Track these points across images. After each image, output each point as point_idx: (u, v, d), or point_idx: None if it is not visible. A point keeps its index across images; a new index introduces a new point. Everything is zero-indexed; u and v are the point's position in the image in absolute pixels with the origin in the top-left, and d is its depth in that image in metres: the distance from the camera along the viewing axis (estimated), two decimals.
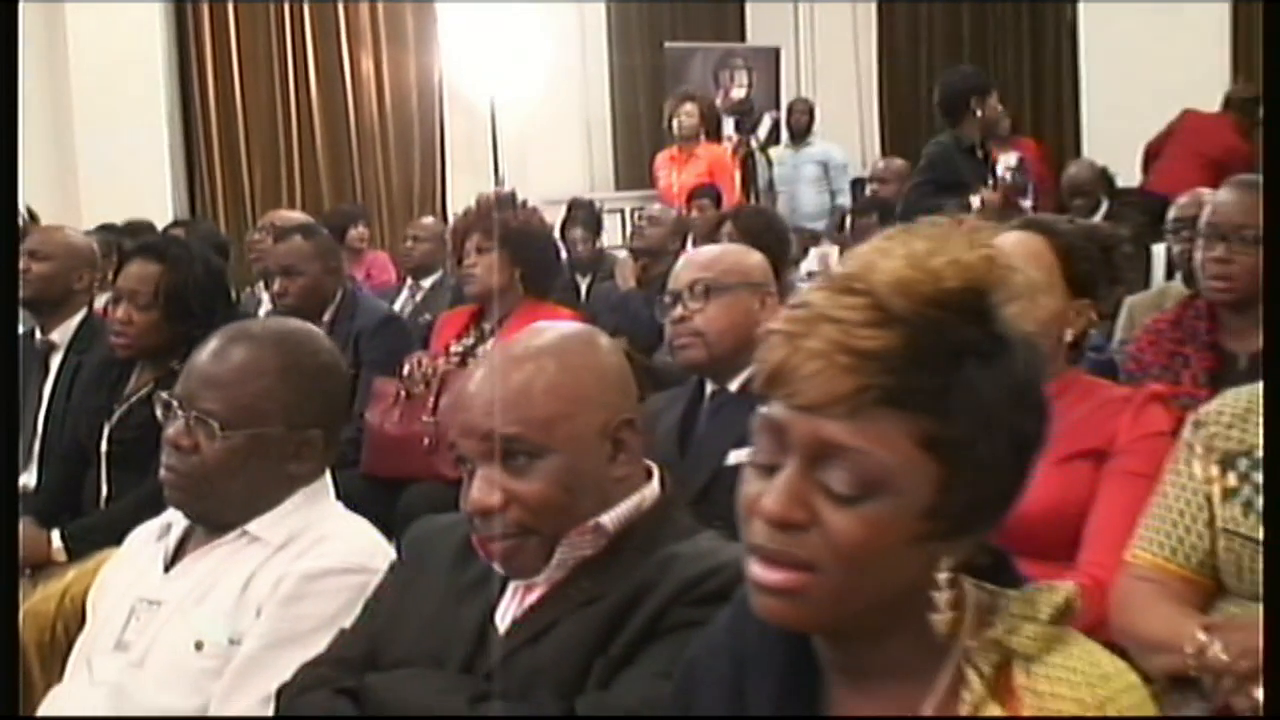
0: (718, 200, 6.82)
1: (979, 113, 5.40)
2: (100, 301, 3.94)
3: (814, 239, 7.27)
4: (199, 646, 1.87)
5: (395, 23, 9.37)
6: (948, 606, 1.11)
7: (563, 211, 6.60)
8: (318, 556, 1.90)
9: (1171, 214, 4.27)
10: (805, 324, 1.08)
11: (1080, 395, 2.27)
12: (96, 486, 3.18)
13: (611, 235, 7.70)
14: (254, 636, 1.85)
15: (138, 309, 3.18)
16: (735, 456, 2.44)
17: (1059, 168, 7.43)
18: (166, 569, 2.00)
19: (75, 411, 3.37)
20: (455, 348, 3.87)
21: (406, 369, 3.71)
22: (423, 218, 7.30)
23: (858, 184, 8.70)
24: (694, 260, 2.87)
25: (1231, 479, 1.81)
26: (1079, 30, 8.88)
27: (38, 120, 7.53)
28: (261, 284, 5.09)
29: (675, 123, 7.77)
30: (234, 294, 3.94)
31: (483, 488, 1.57)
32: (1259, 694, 1.58)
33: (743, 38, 10.67)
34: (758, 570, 1.10)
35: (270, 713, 1.74)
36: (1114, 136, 7.84)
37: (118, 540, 2.19)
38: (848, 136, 9.94)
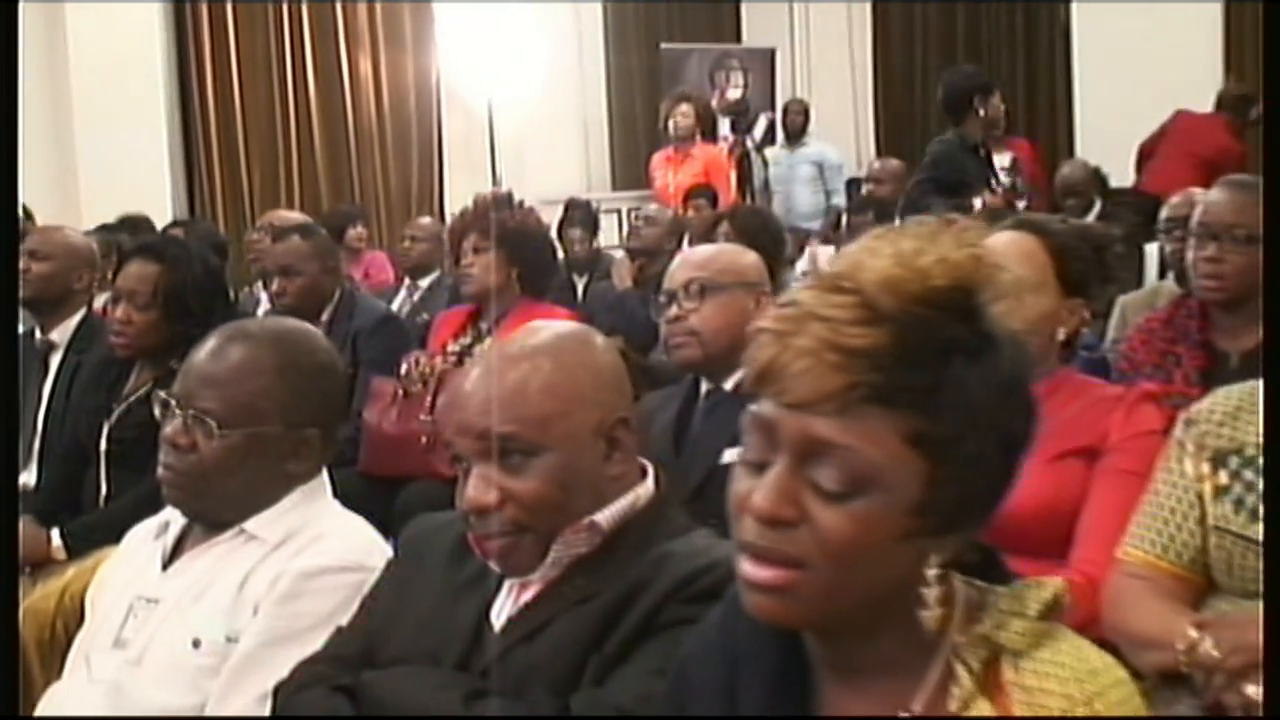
0: (714, 200, 6.81)
1: (982, 111, 5.41)
2: (99, 301, 3.95)
3: (809, 239, 7.26)
4: (196, 644, 1.87)
5: (393, 24, 9.35)
6: (937, 603, 1.12)
7: (559, 211, 6.59)
8: (315, 555, 1.91)
9: (1164, 214, 4.30)
10: (794, 322, 1.08)
11: (1073, 394, 2.27)
12: (96, 485, 3.18)
13: (608, 235, 7.68)
14: (251, 634, 1.85)
15: (137, 309, 3.19)
16: (730, 455, 2.43)
17: (1052, 168, 7.42)
18: (164, 567, 2.00)
19: (75, 411, 3.37)
20: (452, 347, 3.87)
21: (404, 368, 3.72)
22: (420, 218, 7.29)
23: (853, 184, 8.70)
24: (689, 260, 2.86)
25: (1223, 477, 1.81)
26: (1072, 31, 8.87)
27: (38, 120, 7.51)
28: (260, 284, 5.09)
29: (671, 123, 7.75)
30: (233, 294, 3.95)
31: (478, 486, 1.58)
32: (1250, 690, 1.58)
33: (738, 39, 10.67)
34: (748, 567, 1.11)
35: (267, 710, 1.74)
36: (1107, 137, 7.83)
37: (117, 539, 2.20)
38: (843, 137, 9.93)
